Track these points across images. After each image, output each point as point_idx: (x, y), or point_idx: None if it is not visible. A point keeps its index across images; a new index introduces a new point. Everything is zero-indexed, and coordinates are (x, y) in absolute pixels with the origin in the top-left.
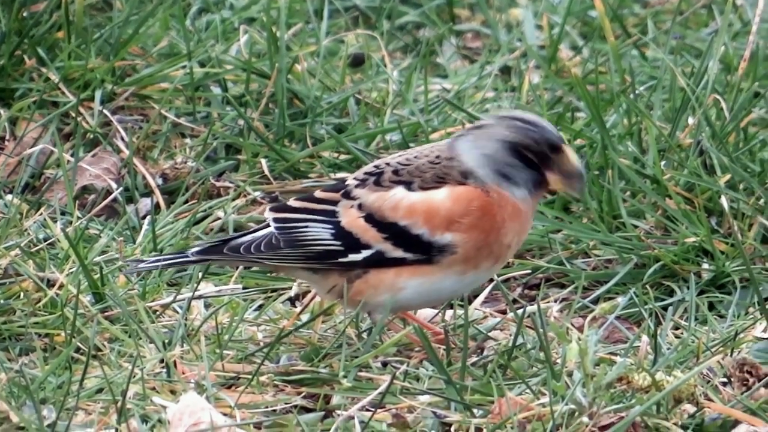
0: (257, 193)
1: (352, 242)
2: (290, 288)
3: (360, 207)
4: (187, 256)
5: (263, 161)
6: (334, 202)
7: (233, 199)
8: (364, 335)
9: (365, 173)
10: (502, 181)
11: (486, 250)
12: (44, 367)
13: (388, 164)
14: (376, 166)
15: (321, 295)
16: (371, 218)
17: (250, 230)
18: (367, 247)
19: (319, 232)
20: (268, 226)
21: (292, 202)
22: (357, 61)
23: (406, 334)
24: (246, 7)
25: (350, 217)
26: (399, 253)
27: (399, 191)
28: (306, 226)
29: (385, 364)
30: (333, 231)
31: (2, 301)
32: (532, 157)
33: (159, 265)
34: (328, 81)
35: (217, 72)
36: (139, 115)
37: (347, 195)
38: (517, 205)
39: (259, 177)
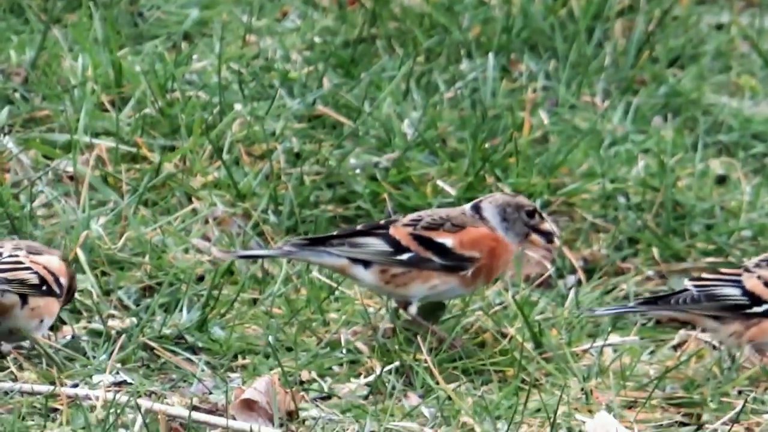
0: (650, 272)
1: (755, 300)
2: (673, 338)
3: (759, 278)
4: (633, 307)
5: (654, 249)
6: (737, 274)
7: (633, 276)
8: (726, 371)
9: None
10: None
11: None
12: (498, 393)
13: None
14: None
15: (722, 339)
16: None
17: (662, 295)
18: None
19: (732, 292)
20: (680, 291)
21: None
22: None
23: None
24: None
25: (752, 283)
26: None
27: None
28: (721, 287)
29: (740, 392)
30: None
31: (471, 348)
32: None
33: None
34: None
35: (621, 186)
36: (566, 217)
37: (745, 269)
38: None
39: (649, 258)
